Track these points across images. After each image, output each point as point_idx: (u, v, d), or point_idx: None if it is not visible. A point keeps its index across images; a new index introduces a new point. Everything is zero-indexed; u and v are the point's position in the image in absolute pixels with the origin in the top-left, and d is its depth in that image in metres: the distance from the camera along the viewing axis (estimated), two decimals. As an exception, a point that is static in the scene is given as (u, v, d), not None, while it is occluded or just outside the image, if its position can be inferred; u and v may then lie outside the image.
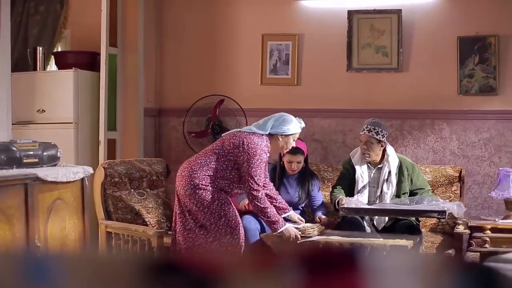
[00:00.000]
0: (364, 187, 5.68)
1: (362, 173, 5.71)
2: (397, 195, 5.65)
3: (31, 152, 5.05)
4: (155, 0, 7.42)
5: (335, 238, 5.15)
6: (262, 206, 4.98)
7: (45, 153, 5.16)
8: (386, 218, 5.65)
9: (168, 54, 7.48)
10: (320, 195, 6.01)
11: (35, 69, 7.09)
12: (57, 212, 5.06)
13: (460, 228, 5.70)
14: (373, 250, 4.71)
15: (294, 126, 5.17)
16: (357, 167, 5.73)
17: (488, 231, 5.66)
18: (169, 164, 6.46)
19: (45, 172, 4.93)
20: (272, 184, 5.64)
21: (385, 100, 6.75)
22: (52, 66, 7.41)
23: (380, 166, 5.71)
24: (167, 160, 6.61)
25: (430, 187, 6.19)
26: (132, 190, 6.06)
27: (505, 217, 5.92)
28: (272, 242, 5.14)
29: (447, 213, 5.28)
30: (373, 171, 5.74)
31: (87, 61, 7.08)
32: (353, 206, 5.45)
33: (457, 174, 6.22)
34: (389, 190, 5.62)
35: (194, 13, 7.36)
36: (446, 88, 6.60)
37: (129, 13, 7.06)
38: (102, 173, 5.89)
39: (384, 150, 5.72)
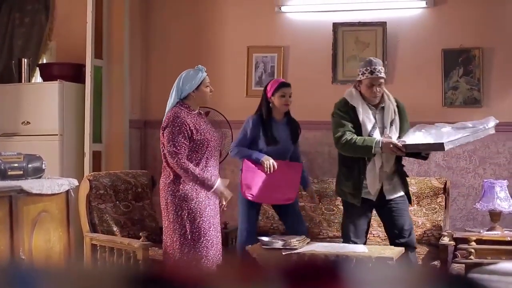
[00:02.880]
0: (374, 127, 5.22)
1: (367, 114, 5.26)
2: (399, 136, 5.32)
3: (16, 164, 5.04)
4: (141, 12, 7.42)
5: (321, 250, 5.15)
6: (185, 171, 4.91)
7: (30, 165, 5.14)
8: (392, 161, 5.31)
9: (154, 66, 7.47)
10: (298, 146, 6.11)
11: (20, 81, 7.06)
12: (42, 225, 5.04)
13: (445, 240, 5.72)
14: (359, 262, 4.72)
15: (197, 76, 5.11)
16: (359, 109, 5.27)
17: (473, 243, 5.68)
18: (154, 176, 6.45)
19: (30, 185, 4.92)
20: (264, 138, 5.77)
21: (370, 112, 6.77)
22: (37, 78, 7.38)
23: (382, 105, 5.32)
24: (152, 172, 6.60)
25: (415, 198, 6.20)
26: (117, 202, 6.05)
27: (490, 229, 5.94)
28: (257, 254, 5.14)
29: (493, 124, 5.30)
30: (376, 112, 5.32)
31: (72, 73, 7.06)
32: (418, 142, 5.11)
33: (442, 186, 6.24)
34: (395, 133, 5.26)
35: (180, 25, 7.37)
36: (430, 100, 6.63)
37: (114, 25, 7.05)
38: (87, 185, 5.88)
39: None
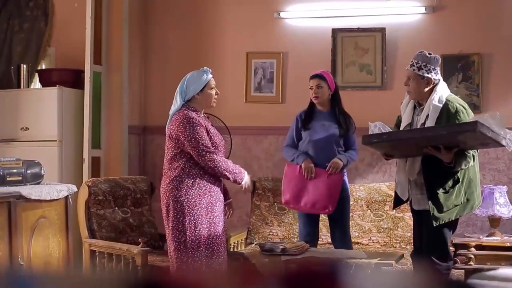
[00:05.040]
0: (405, 128, 4.89)
1: (407, 115, 4.94)
2: None
3: (15, 170, 5.03)
4: (140, 18, 7.42)
5: (320, 256, 5.14)
6: (220, 167, 4.84)
7: (28, 171, 5.14)
8: (417, 167, 4.82)
9: (153, 72, 7.48)
10: (354, 137, 5.78)
11: (19, 86, 7.06)
12: (40, 231, 5.03)
13: (445, 246, 5.71)
14: (358, 268, 4.71)
15: (201, 77, 4.99)
16: (402, 109, 5.01)
17: (473, 249, 5.68)
18: (153, 182, 6.44)
19: (29, 190, 4.91)
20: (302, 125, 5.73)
21: (369, 118, 6.70)
22: (36, 83, 7.38)
23: (423, 106, 4.86)
24: (151, 178, 6.59)
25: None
26: (116, 208, 6.04)
27: (489, 235, 5.94)
28: (257, 260, 5.13)
29: (478, 125, 4.33)
30: (418, 112, 4.90)
31: (71, 78, 7.06)
32: (375, 132, 4.79)
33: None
34: None
35: (179, 31, 7.37)
36: (430, 106, 6.63)
37: (113, 31, 7.06)
38: (86, 191, 5.86)
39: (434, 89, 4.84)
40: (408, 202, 5.03)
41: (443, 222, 4.73)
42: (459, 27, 6.63)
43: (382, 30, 6.73)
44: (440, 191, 4.72)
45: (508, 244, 5.79)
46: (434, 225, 4.71)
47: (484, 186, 6.12)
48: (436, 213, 4.71)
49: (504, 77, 6.54)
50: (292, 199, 5.69)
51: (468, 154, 4.66)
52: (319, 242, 5.90)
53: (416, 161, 4.82)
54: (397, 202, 5.12)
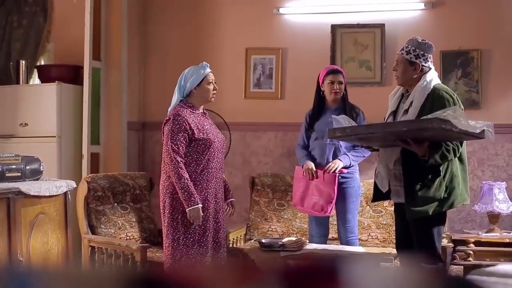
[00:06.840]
0: (389, 115, 4.71)
1: (393, 101, 4.75)
2: None
3: (14, 166, 5.04)
4: (139, 14, 7.41)
5: (318, 252, 5.15)
6: (176, 176, 4.75)
7: (27, 167, 5.14)
8: (395, 155, 4.54)
9: (152, 68, 7.47)
10: None
11: (18, 82, 7.06)
12: (39, 227, 5.03)
13: (444, 242, 5.72)
14: (357, 264, 4.70)
15: (199, 72, 5.00)
16: (390, 99, 4.82)
17: (472, 245, 5.69)
18: (152, 178, 6.44)
19: (28, 186, 4.91)
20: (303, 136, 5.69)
21: (369, 114, 6.74)
22: (35, 79, 7.38)
23: (409, 92, 4.65)
24: (151, 174, 6.59)
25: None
26: (116, 204, 6.04)
27: (489, 231, 5.95)
28: (256, 256, 5.13)
29: (438, 121, 4.03)
30: (403, 100, 4.70)
31: (70, 74, 7.06)
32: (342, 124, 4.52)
33: (441, 188, 6.20)
34: None
35: (178, 27, 7.36)
36: (429, 102, 6.62)
37: (112, 27, 7.05)
38: (85, 187, 5.86)
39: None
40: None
41: (418, 216, 4.42)
42: (458, 23, 6.63)
43: (381, 26, 6.73)
44: (418, 183, 4.42)
45: (507, 240, 5.79)
46: (407, 217, 4.45)
47: (483, 182, 6.12)
48: (410, 205, 4.42)
49: (503, 73, 6.54)
50: (298, 201, 5.72)
51: (448, 148, 4.33)
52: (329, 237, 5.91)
53: (395, 149, 4.54)
54: (377, 195, 4.87)
